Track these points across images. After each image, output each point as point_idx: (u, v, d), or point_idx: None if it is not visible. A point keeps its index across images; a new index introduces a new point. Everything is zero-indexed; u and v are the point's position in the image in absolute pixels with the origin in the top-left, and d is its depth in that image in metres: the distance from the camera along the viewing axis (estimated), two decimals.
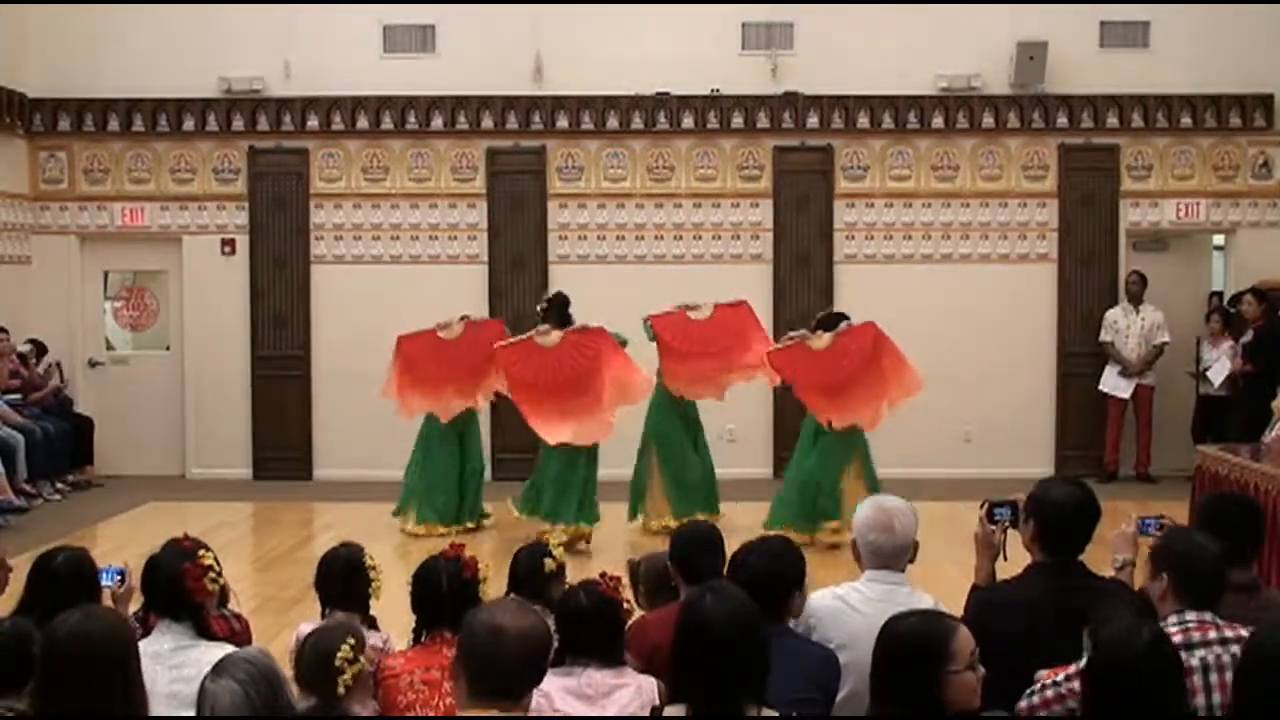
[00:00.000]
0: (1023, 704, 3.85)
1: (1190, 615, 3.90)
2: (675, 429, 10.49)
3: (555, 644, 4.05)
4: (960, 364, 13.07)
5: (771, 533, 8.76)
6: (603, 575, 4.24)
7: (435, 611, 4.37)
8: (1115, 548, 4.68)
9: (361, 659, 4.05)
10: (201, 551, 4.23)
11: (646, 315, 10.59)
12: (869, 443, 10.26)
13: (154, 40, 13.15)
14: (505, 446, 12.66)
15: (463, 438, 10.59)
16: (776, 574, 4.15)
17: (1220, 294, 13.61)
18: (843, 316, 10.39)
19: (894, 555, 4.39)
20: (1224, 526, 4.43)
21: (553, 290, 10.81)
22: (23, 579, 4.39)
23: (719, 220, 13.27)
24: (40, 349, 12.87)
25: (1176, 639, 3.81)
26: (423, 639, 4.42)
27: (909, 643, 3.46)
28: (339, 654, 3.94)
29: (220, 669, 3.23)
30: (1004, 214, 13.28)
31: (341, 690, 3.96)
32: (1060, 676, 3.80)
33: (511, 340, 10.17)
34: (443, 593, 4.38)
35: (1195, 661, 3.77)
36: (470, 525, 10.49)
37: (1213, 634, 3.83)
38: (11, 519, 10.88)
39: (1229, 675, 3.66)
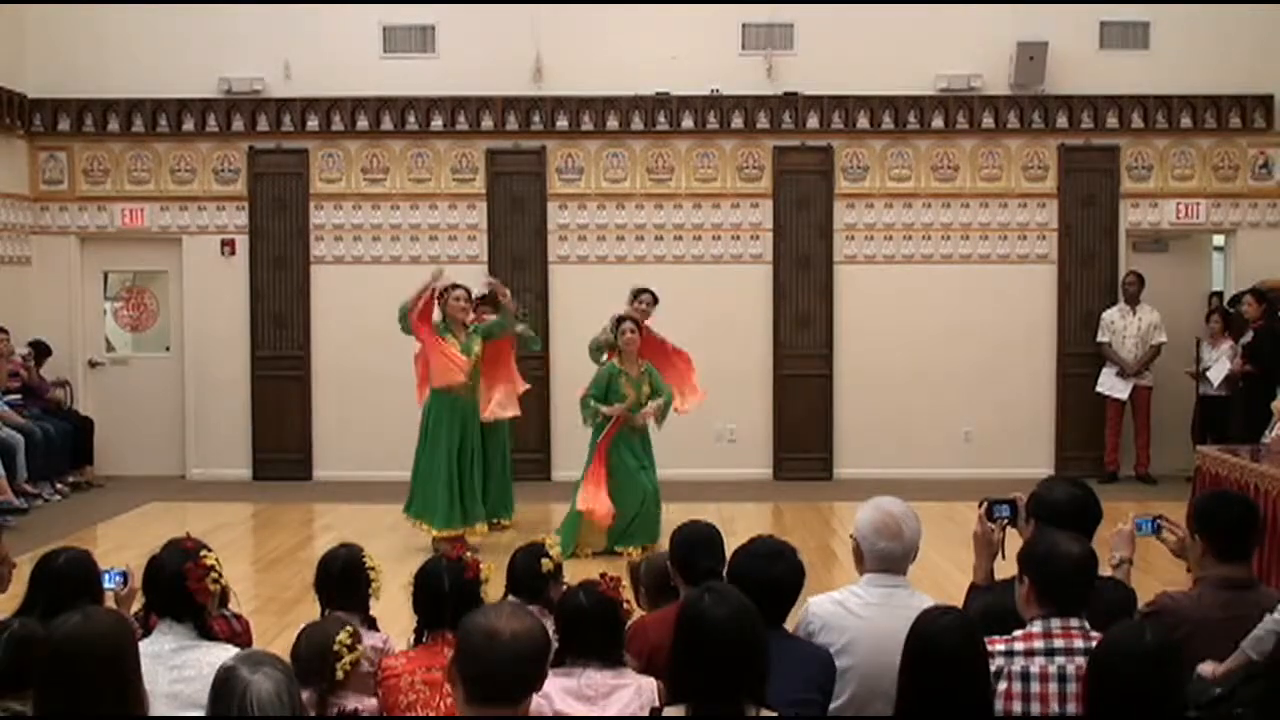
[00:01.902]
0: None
1: (1055, 621, 3.84)
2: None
3: (555, 645, 4.06)
4: (960, 364, 13.10)
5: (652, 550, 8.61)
6: (603, 575, 4.24)
7: (437, 612, 4.37)
8: (1113, 546, 4.70)
9: (359, 648, 4.07)
10: (203, 552, 4.23)
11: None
12: None
13: (154, 41, 13.15)
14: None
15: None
16: (774, 579, 4.12)
17: (1220, 294, 13.60)
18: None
19: (899, 560, 4.35)
20: (1220, 524, 4.44)
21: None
22: (24, 580, 4.40)
23: (719, 221, 13.28)
24: (41, 350, 12.86)
25: (1037, 643, 3.80)
26: (424, 639, 4.43)
27: (947, 640, 3.48)
28: (337, 639, 3.96)
29: (256, 661, 3.12)
30: (1004, 214, 13.29)
31: (340, 675, 3.97)
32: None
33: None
34: (444, 593, 4.37)
35: (1053, 668, 3.75)
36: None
37: (1078, 642, 3.77)
38: (12, 519, 10.87)
39: None
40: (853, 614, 4.26)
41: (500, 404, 10.19)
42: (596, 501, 9.63)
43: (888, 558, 4.33)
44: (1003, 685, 3.75)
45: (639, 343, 9.85)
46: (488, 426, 10.14)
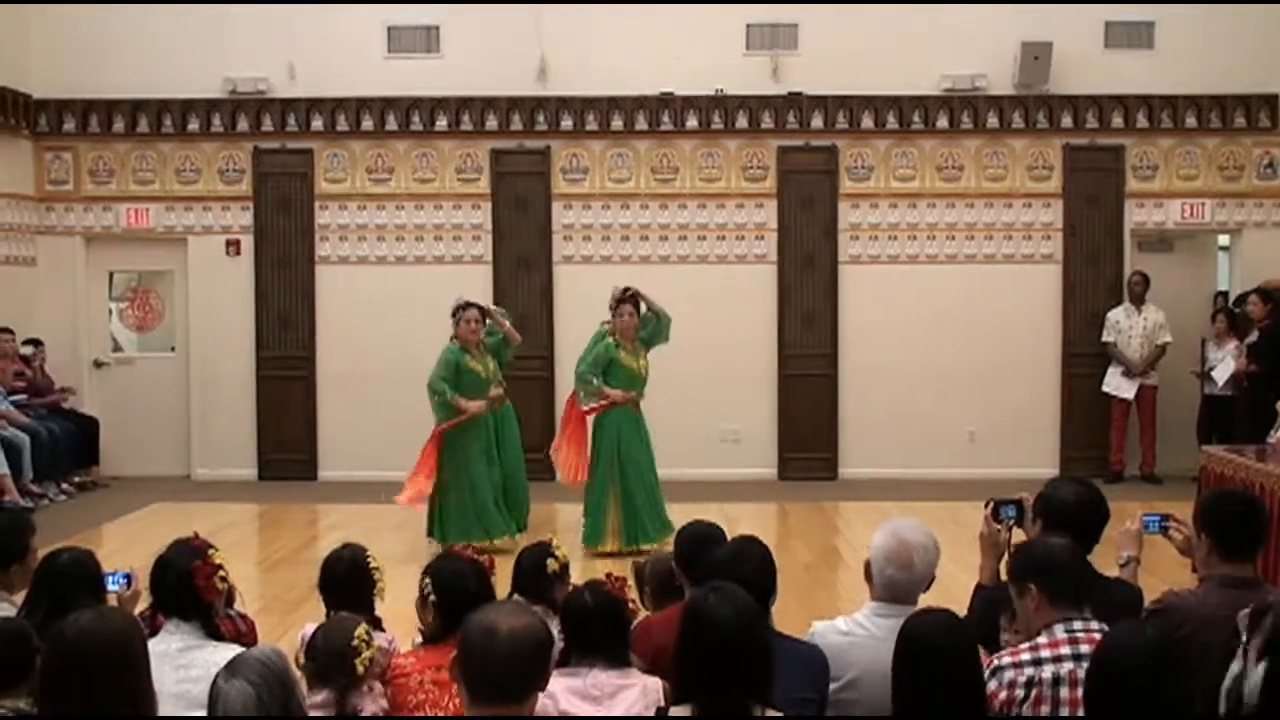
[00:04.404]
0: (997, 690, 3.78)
1: (1077, 624, 3.81)
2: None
3: (560, 645, 4.06)
4: (964, 364, 13.09)
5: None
6: (608, 576, 4.24)
7: (455, 612, 4.33)
8: (1119, 545, 4.68)
9: (374, 644, 4.09)
10: (211, 551, 4.24)
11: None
12: None
13: (159, 41, 13.16)
14: None
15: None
16: (741, 580, 3.94)
17: (1225, 294, 13.60)
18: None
19: (907, 590, 4.23)
20: (1225, 523, 4.43)
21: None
22: None
23: (723, 221, 13.27)
24: (37, 345, 12.84)
25: (1064, 649, 3.75)
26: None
27: (935, 641, 3.48)
28: (355, 635, 3.98)
29: (233, 668, 3.21)
30: (1009, 214, 13.28)
31: (361, 670, 3.98)
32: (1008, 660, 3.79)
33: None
34: (469, 593, 4.30)
35: (1081, 673, 3.65)
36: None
37: None
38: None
39: None
40: (859, 646, 4.15)
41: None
42: (566, 461, 9.82)
43: (894, 586, 4.22)
44: (1033, 692, 3.71)
45: (635, 324, 9.87)
46: (499, 435, 10.18)
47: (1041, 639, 3.81)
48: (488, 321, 10.21)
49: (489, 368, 9.96)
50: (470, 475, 9.75)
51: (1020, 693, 3.72)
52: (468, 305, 9.99)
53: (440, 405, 9.77)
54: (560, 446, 9.98)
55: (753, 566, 4.14)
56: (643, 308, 9.94)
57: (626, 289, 9.97)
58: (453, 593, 4.33)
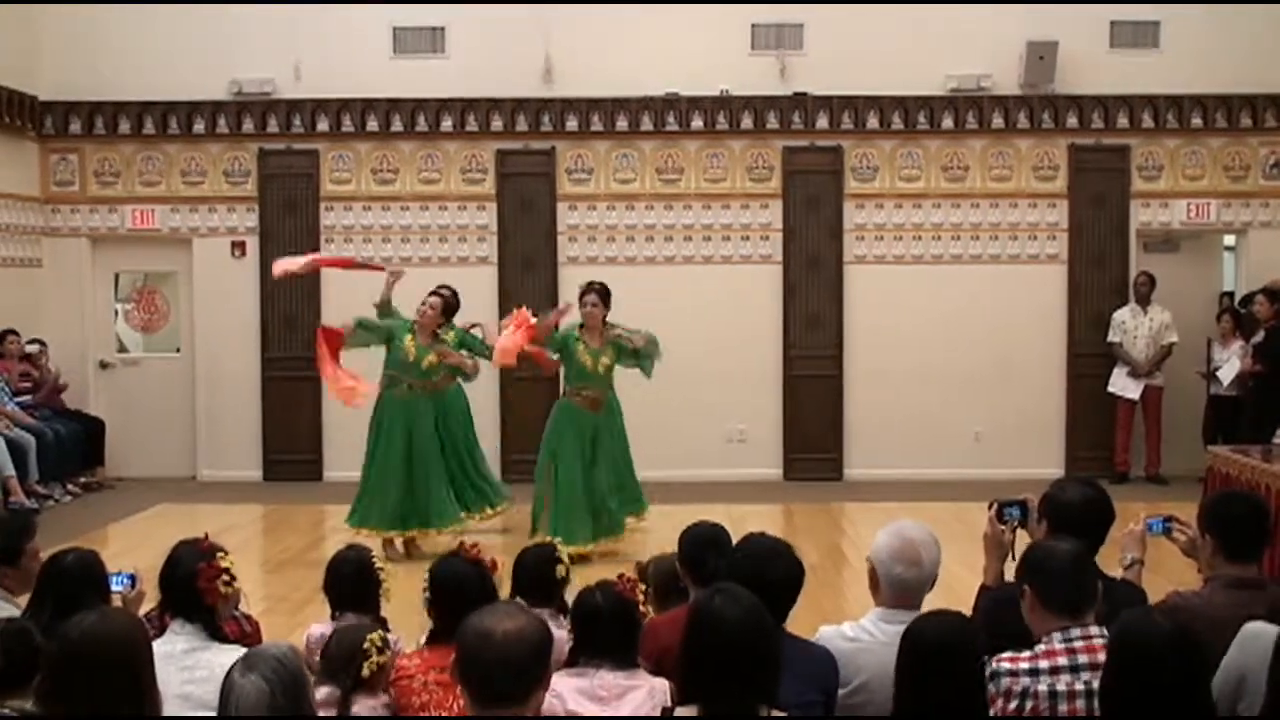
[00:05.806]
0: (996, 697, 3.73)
1: (1075, 631, 3.74)
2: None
3: (569, 645, 4.06)
4: (970, 364, 13.08)
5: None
6: (620, 576, 4.23)
7: (457, 615, 4.32)
8: (1124, 546, 4.68)
9: (388, 652, 4.10)
10: (219, 554, 4.23)
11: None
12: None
13: (165, 42, 13.18)
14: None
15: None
16: (771, 581, 4.01)
17: (1231, 294, 13.57)
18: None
19: (916, 590, 4.20)
20: (1229, 523, 4.43)
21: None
22: None
23: (728, 221, 13.27)
24: (40, 345, 12.84)
25: (1061, 660, 3.69)
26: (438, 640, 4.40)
27: (944, 640, 3.47)
28: (368, 638, 4.00)
29: (250, 664, 3.18)
30: (1014, 215, 13.27)
31: (366, 674, 4.00)
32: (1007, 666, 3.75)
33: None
34: (468, 597, 4.29)
35: (1080, 685, 3.64)
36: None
37: (1103, 656, 3.58)
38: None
39: None
40: (866, 653, 4.12)
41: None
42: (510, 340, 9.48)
43: (903, 586, 4.18)
44: (1029, 704, 3.66)
45: (601, 315, 9.63)
46: (442, 420, 10.08)
47: (1040, 648, 3.76)
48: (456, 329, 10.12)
49: (424, 356, 9.79)
50: (384, 467, 9.82)
51: (1015, 703, 3.68)
52: (435, 292, 10.03)
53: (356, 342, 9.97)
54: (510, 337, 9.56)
55: (785, 566, 4.14)
56: (612, 320, 9.73)
57: (592, 283, 9.84)
58: (452, 594, 4.34)
